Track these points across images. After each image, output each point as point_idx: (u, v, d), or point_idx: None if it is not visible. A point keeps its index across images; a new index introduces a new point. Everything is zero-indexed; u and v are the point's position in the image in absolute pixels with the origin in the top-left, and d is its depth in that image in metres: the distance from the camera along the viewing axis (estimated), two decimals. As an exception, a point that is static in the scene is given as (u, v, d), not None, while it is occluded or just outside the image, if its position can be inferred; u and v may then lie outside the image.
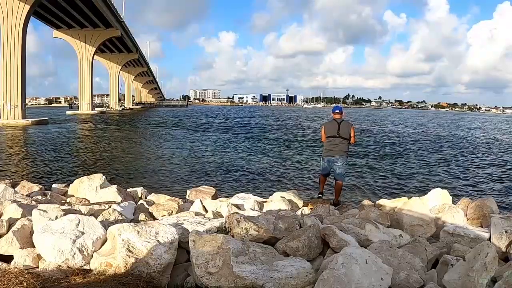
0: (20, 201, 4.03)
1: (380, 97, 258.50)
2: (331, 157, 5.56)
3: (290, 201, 5.12)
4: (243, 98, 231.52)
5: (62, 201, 4.93)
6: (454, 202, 4.49)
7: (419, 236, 3.57)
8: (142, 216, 4.17)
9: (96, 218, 3.28)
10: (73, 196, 5.41)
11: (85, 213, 3.75)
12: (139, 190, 5.86)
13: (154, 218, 4.22)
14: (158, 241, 2.72)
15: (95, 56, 53.18)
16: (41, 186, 5.89)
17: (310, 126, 34.77)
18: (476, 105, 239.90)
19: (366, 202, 5.18)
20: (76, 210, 3.83)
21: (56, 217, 3.25)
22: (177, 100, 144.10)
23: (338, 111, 5.67)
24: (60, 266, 2.69)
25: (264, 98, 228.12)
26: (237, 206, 4.59)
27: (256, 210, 4.52)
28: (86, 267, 2.71)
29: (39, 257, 2.87)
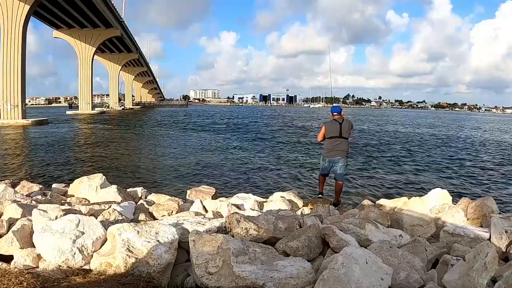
0: (20, 201, 4.03)
1: (380, 97, 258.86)
2: (333, 158, 5.56)
3: (290, 201, 5.11)
4: (243, 98, 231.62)
5: (62, 201, 4.92)
6: (454, 202, 4.49)
7: (419, 236, 3.57)
8: (142, 216, 4.17)
9: (96, 218, 3.28)
10: (73, 196, 5.41)
11: (85, 213, 3.75)
12: (139, 190, 5.85)
13: (154, 218, 4.22)
14: (158, 241, 2.72)
15: (95, 56, 53.18)
16: (41, 186, 5.88)
17: (312, 127, 34.76)
18: (476, 105, 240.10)
19: (366, 202, 5.18)
20: (76, 210, 3.83)
21: (56, 217, 3.25)
22: (177, 100, 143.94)
23: (336, 113, 5.65)
24: (60, 266, 2.69)
25: (264, 98, 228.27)
26: (237, 206, 4.58)
27: (256, 210, 4.51)
28: (86, 267, 2.71)
29: (39, 257, 2.87)
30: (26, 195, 4.96)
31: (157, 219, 3.97)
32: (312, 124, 37.70)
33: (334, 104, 6.27)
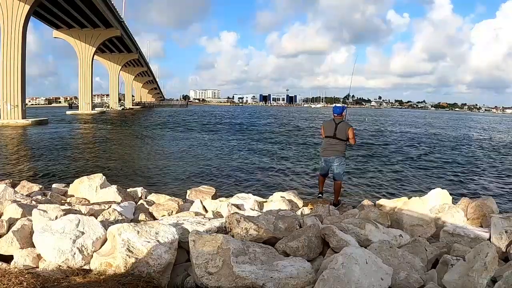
0: (20, 201, 4.03)
1: (380, 97, 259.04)
2: (328, 157, 5.57)
3: (290, 201, 5.12)
4: (243, 98, 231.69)
5: (62, 201, 4.92)
6: (454, 202, 4.49)
7: (419, 236, 3.57)
8: (142, 216, 4.17)
9: (96, 218, 3.28)
10: (73, 196, 5.41)
11: (85, 213, 3.75)
12: (139, 190, 5.85)
13: (154, 218, 4.22)
14: (158, 241, 2.72)
15: (95, 56, 53.15)
16: (41, 186, 5.88)
17: (312, 127, 34.77)
18: (476, 105, 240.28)
19: (366, 202, 5.18)
20: (76, 210, 3.83)
21: (56, 217, 3.25)
22: (177, 100, 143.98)
23: (336, 114, 5.63)
24: (60, 266, 2.69)
25: (264, 98, 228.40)
26: (237, 206, 4.58)
27: (256, 210, 4.51)
28: (86, 267, 2.71)
29: (39, 257, 2.86)
30: (26, 195, 4.95)
31: (157, 219, 3.97)
32: (312, 125, 37.70)
33: (336, 104, 6.26)
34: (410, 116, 77.62)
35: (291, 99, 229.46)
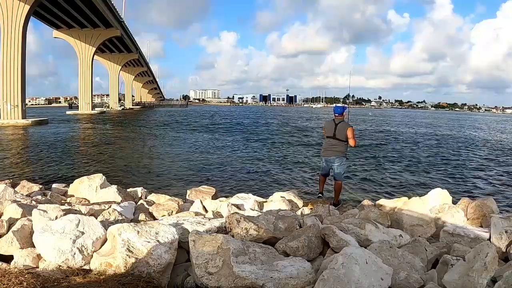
0: (20, 201, 4.03)
1: (380, 97, 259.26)
2: (328, 157, 5.57)
3: (290, 201, 5.11)
4: (243, 98, 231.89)
5: (62, 201, 4.92)
6: (454, 202, 4.49)
7: (419, 236, 3.57)
8: (142, 216, 4.17)
9: (96, 218, 3.28)
10: (73, 196, 5.40)
11: (85, 213, 3.75)
12: (139, 190, 5.85)
13: (154, 218, 4.22)
14: (158, 241, 2.72)
15: (95, 56, 53.16)
16: (41, 186, 5.88)
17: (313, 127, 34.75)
18: (476, 105, 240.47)
19: (366, 202, 5.17)
20: (76, 210, 3.83)
21: (56, 217, 3.25)
22: (177, 100, 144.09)
23: (337, 114, 5.62)
24: (60, 266, 2.69)
25: (264, 98, 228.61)
26: (237, 206, 4.58)
27: (256, 210, 4.51)
28: (86, 267, 2.71)
29: (39, 257, 2.86)
30: (26, 195, 4.95)
31: (157, 219, 3.97)
32: (314, 125, 37.69)
33: (336, 104, 6.25)
34: (411, 116, 77.62)
35: (291, 99, 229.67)
